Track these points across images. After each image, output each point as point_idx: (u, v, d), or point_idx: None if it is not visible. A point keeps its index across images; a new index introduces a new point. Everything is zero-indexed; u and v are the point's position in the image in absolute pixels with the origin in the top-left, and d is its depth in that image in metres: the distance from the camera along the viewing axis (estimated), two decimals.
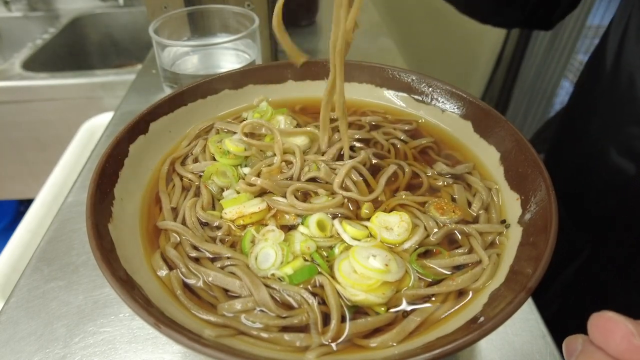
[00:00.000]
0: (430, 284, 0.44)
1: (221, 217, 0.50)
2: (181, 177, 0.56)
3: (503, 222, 0.50)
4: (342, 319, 0.40)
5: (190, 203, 0.52)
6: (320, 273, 0.44)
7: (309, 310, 0.41)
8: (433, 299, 0.43)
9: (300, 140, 0.59)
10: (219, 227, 0.50)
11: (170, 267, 0.46)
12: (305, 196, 0.53)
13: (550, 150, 0.97)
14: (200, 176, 0.56)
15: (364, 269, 0.42)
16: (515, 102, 2.24)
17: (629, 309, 0.33)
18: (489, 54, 2.19)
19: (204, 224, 0.50)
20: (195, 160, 0.59)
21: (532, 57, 2.03)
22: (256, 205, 0.50)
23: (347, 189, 0.53)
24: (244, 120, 0.64)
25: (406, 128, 0.64)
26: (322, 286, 0.43)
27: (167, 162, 0.58)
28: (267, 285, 0.43)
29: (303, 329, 0.40)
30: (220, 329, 0.39)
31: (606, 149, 0.74)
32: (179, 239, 0.48)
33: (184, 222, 0.50)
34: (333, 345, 0.39)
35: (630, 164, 0.71)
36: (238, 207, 0.50)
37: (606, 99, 0.76)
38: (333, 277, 0.43)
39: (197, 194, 0.54)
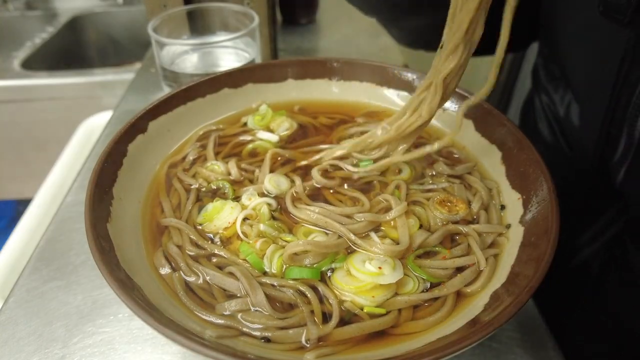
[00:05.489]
0: (430, 286, 0.44)
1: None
2: (181, 180, 0.56)
3: (508, 226, 0.49)
4: (341, 322, 0.40)
5: (191, 204, 0.52)
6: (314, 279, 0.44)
7: (306, 303, 0.41)
8: (433, 300, 0.43)
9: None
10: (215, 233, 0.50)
11: (172, 264, 0.46)
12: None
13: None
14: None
15: (357, 271, 0.42)
16: (516, 102, 2.24)
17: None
18: None
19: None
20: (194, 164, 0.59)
21: (533, 56, 2.03)
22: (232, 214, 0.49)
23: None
24: (244, 125, 0.65)
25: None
26: (315, 288, 0.43)
27: (166, 165, 0.58)
28: (263, 283, 0.43)
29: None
30: (222, 330, 0.39)
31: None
32: (180, 237, 0.48)
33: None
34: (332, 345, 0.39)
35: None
36: (219, 219, 0.49)
37: None
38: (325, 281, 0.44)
39: (198, 197, 0.54)
